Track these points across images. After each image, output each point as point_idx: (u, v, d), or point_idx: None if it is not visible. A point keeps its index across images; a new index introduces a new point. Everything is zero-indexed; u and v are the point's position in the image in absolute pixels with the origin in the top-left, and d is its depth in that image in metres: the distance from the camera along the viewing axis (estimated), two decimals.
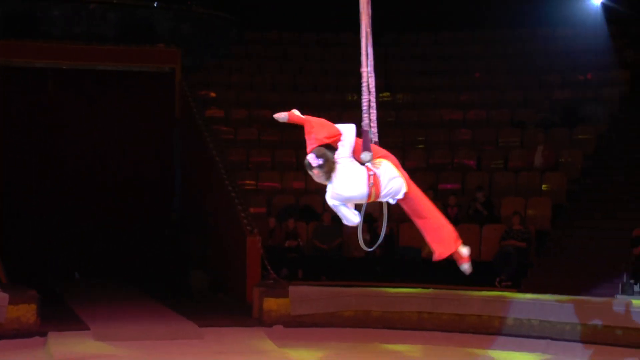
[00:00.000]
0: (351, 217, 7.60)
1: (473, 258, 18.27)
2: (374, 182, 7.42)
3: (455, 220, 16.69)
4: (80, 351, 13.80)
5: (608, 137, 20.79)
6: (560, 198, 19.30)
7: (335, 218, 19.16)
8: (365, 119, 7.58)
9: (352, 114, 24.83)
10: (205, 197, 21.47)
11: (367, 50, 7.63)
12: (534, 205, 19.04)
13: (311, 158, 7.29)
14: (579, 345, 14.47)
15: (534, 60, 23.74)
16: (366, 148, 7.48)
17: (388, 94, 23.95)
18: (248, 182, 20.98)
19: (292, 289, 16.35)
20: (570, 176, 19.77)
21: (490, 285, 17.06)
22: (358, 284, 17.14)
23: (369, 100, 7.61)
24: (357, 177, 7.39)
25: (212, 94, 23.62)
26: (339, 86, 24.46)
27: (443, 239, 7.62)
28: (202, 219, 21.19)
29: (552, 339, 14.81)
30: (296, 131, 25.13)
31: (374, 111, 7.63)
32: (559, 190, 19.53)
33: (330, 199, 7.45)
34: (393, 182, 7.57)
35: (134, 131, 23.22)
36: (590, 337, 14.58)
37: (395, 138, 22.09)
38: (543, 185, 19.73)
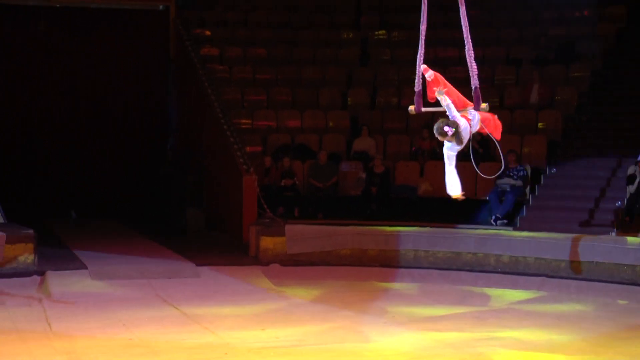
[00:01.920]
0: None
1: (469, 196, 18.29)
2: (470, 125, 9.90)
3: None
4: (78, 290, 13.86)
5: (603, 74, 20.73)
6: (556, 135, 19.29)
7: (331, 156, 19.32)
8: (474, 80, 10.01)
9: (348, 52, 24.60)
10: (200, 136, 21.42)
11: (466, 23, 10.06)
12: (529, 143, 19.05)
13: (446, 129, 9.60)
14: (574, 282, 14.56)
15: None
16: (479, 101, 9.97)
17: (384, 31, 23.79)
18: (243, 121, 20.92)
19: (288, 227, 16.38)
20: (566, 113, 19.75)
21: (486, 224, 17.13)
22: (354, 222, 17.17)
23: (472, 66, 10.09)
24: (466, 128, 9.79)
25: (207, 32, 23.43)
26: (334, 23, 24.28)
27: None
28: (197, 158, 21.16)
29: (547, 276, 14.90)
30: (291, 69, 24.92)
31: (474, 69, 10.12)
32: (554, 127, 19.52)
33: (450, 150, 9.87)
34: (475, 117, 10.04)
35: (128, 70, 23.12)
36: (585, 274, 14.66)
37: (390, 76, 22.03)
38: (539, 123, 19.71)
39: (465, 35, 10.05)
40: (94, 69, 22.91)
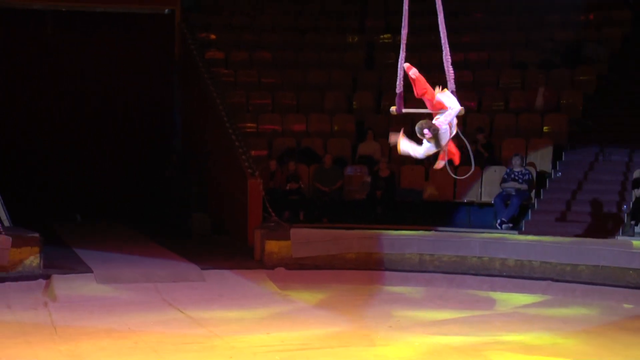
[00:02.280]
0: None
1: (474, 199, 18.34)
2: (449, 127, 10.05)
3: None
4: (84, 293, 13.86)
5: (609, 78, 20.74)
6: (561, 139, 19.29)
7: (336, 160, 19.31)
8: (451, 84, 10.25)
9: (353, 55, 24.57)
10: (205, 139, 21.44)
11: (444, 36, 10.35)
12: (534, 146, 19.03)
13: (425, 131, 9.86)
14: (580, 286, 14.54)
15: (535, 0, 23.52)
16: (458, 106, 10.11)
17: (389, 35, 23.80)
18: (249, 124, 20.92)
19: (293, 231, 16.37)
20: (571, 117, 19.74)
21: (491, 227, 17.13)
22: (359, 226, 17.16)
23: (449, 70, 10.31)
24: (446, 132, 9.98)
25: (212, 36, 23.45)
26: (339, 27, 24.29)
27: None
28: (202, 161, 21.18)
29: (553, 280, 14.87)
30: (296, 73, 24.84)
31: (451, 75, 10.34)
32: (559, 131, 19.51)
33: (428, 150, 10.14)
34: (454, 121, 10.19)
35: (134, 73, 23.12)
36: (591, 277, 14.64)
37: (395, 79, 21.98)
38: (544, 127, 19.71)
39: (443, 42, 10.40)
40: (99, 72, 22.92)
